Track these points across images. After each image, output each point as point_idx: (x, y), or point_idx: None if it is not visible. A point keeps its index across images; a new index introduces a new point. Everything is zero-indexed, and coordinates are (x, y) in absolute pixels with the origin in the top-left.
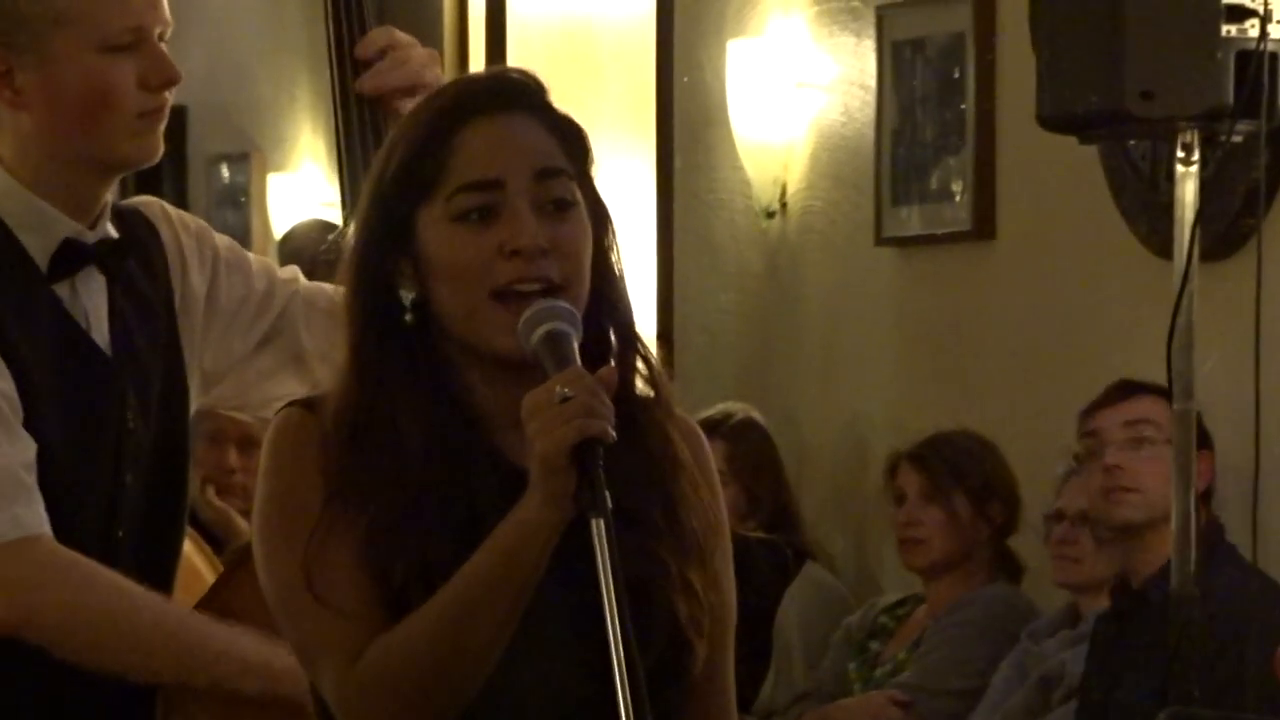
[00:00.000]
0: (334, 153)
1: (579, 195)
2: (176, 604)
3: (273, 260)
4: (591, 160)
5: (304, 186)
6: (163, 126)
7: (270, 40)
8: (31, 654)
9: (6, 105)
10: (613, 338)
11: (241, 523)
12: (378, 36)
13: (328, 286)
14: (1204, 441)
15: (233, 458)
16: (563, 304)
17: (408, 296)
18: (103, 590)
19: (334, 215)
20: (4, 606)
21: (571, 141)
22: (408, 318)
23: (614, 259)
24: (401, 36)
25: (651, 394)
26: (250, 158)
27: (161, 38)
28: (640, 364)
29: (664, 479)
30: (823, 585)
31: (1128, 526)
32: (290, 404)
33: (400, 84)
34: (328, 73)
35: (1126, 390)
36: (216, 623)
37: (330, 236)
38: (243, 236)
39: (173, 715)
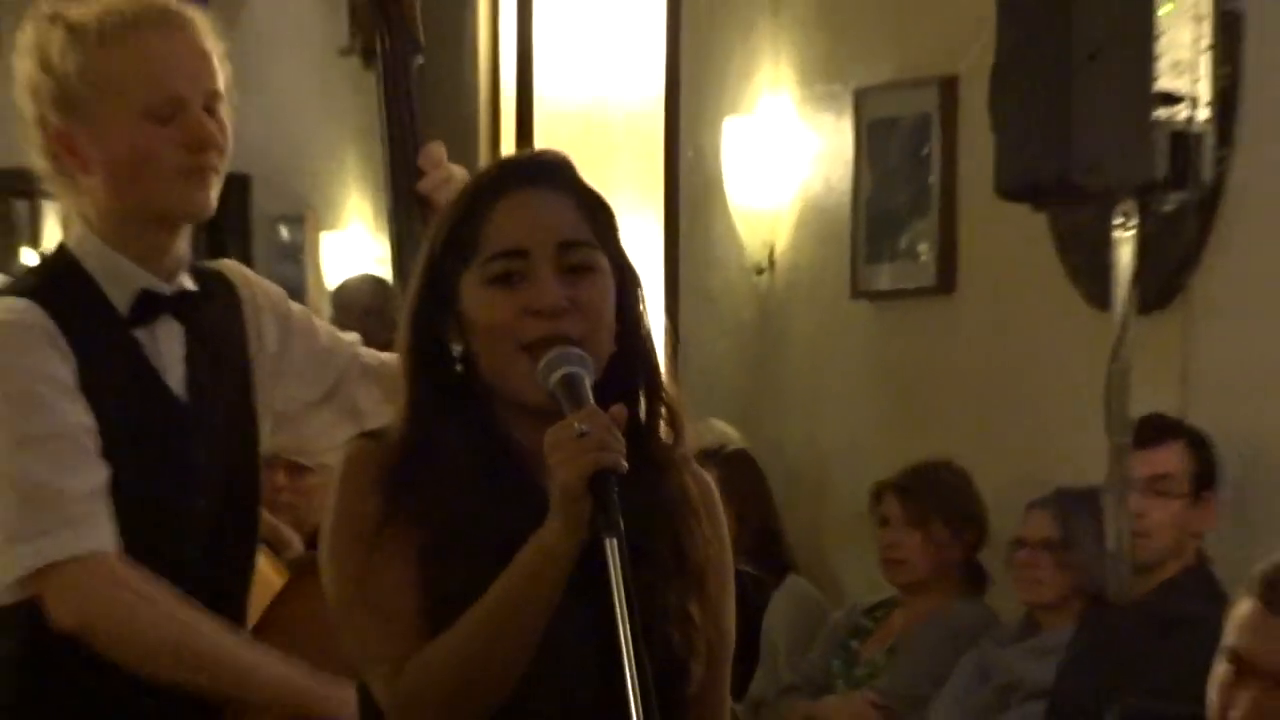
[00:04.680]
0: (380, 214)
1: (602, 262)
2: (253, 610)
3: (327, 310)
4: (616, 230)
5: (352, 244)
6: (211, 183)
7: (322, 114)
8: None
9: (76, 169)
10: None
11: (289, 534)
12: (435, 151)
13: (383, 354)
14: (1209, 482)
15: (281, 478)
16: (575, 350)
17: (456, 349)
18: (158, 609)
19: (380, 270)
20: (67, 615)
21: (595, 213)
22: (457, 368)
23: (641, 317)
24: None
25: (671, 439)
26: (305, 218)
27: (209, 106)
28: (664, 411)
29: (673, 517)
30: (803, 593)
31: (1141, 564)
32: (360, 435)
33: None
34: (377, 146)
35: (1156, 434)
36: (265, 651)
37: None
38: (298, 288)
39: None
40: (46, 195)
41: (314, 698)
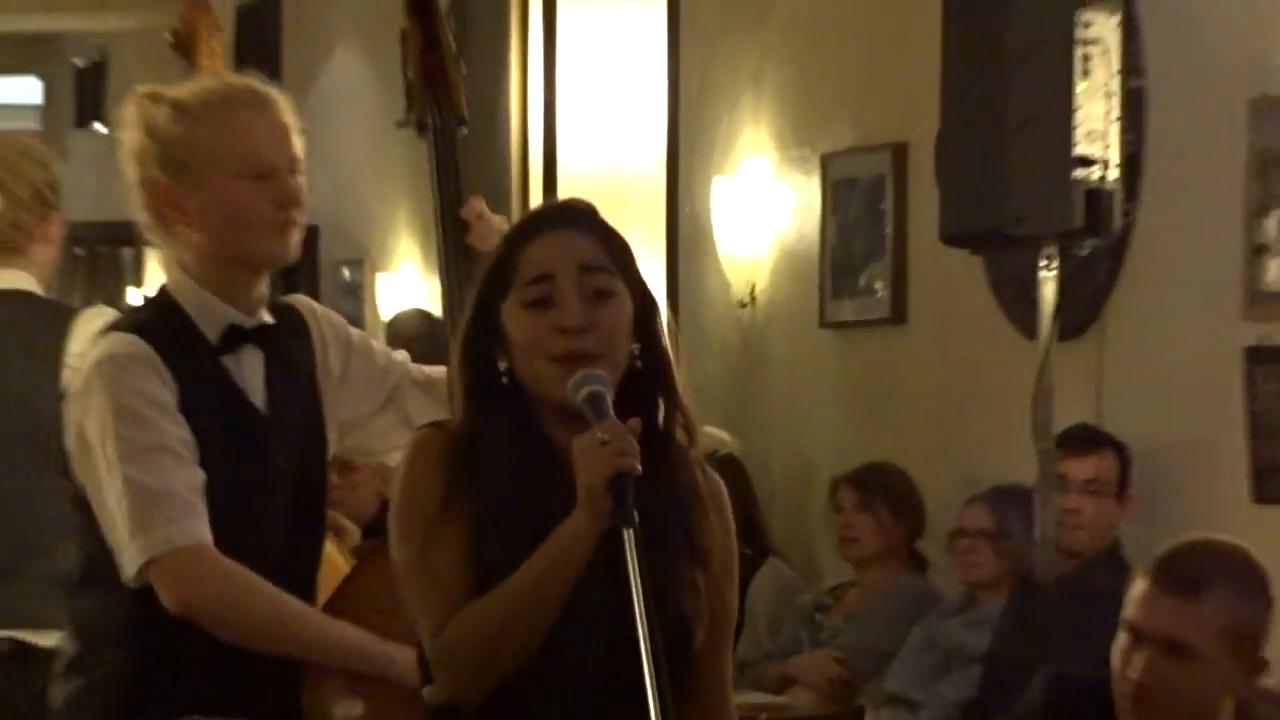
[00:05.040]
0: (428, 257)
1: (620, 288)
2: (321, 589)
3: (383, 341)
4: (632, 259)
5: (404, 283)
6: (295, 234)
7: (378, 174)
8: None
9: (177, 222)
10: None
11: (344, 522)
12: (476, 205)
13: (429, 369)
14: (1127, 483)
15: (334, 476)
16: (599, 372)
17: (501, 363)
18: (251, 590)
19: (427, 305)
20: (175, 598)
21: (613, 244)
22: (503, 379)
23: (659, 336)
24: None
25: (684, 443)
26: (364, 262)
27: (292, 170)
28: (679, 421)
29: (685, 507)
30: (781, 573)
31: (1071, 551)
32: (426, 425)
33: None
34: (426, 200)
35: (1088, 443)
36: (336, 621)
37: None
38: (358, 321)
39: (311, 686)
40: (148, 243)
41: (385, 659)
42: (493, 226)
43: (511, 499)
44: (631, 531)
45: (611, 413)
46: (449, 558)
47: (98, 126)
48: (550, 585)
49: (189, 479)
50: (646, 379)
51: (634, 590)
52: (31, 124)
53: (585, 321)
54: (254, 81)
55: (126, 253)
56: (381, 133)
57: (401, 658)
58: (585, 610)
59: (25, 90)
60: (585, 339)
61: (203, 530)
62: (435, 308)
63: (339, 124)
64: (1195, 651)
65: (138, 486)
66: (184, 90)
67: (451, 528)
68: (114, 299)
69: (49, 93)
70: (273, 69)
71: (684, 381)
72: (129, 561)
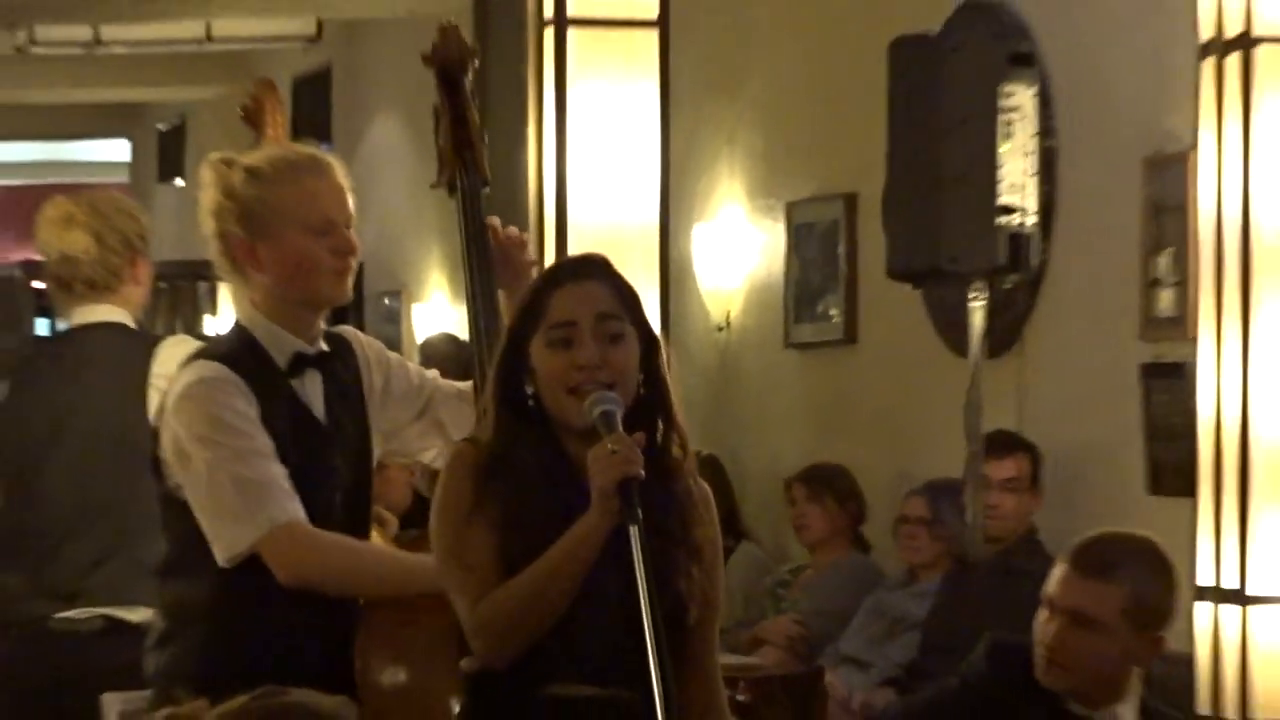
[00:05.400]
0: (454, 290)
1: (630, 331)
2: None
3: (416, 359)
4: (640, 306)
5: (434, 311)
6: (350, 279)
7: (413, 220)
8: (282, 596)
9: (253, 269)
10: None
11: (384, 513)
12: (515, 233)
13: (458, 383)
14: (1038, 479)
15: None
16: (610, 393)
17: (528, 389)
18: (341, 549)
19: (455, 330)
20: (286, 566)
21: (624, 294)
22: (529, 403)
23: (660, 369)
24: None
25: (680, 455)
26: (401, 293)
27: (347, 224)
28: (676, 437)
29: (682, 508)
30: (752, 555)
31: (995, 537)
32: (463, 440)
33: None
34: (454, 243)
35: (1006, 447)
36: (400, 552)
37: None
38: (396, 342)
39: (365, 640)
40: (220, 279)
41: None
42: (514, 236)
43: (534, 501)
44: (636, 527)
45: (620, 427)
46: (481, 549)
47: (178, 181)
48: (568, 571)
49: (280, 472)
50: (649, 404)
51: (639, 576)
52: (121, 179)
53: (600, 360)
54: (315, 149)
55: (202, 286)
56: (416, 187)
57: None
58: (598, 592)
59: (116, 150)
60: (599, 374)
61: (300, 509)
62: (461, 332)
63: (381, 179)
64: (1099, 624)
65: (241, 481)
66: (256, 156)
67: (483, 525)
68: (191, 326)
69: (136, 152)
70: (324, 132)
71: (679, 406)
72: (236, 541)
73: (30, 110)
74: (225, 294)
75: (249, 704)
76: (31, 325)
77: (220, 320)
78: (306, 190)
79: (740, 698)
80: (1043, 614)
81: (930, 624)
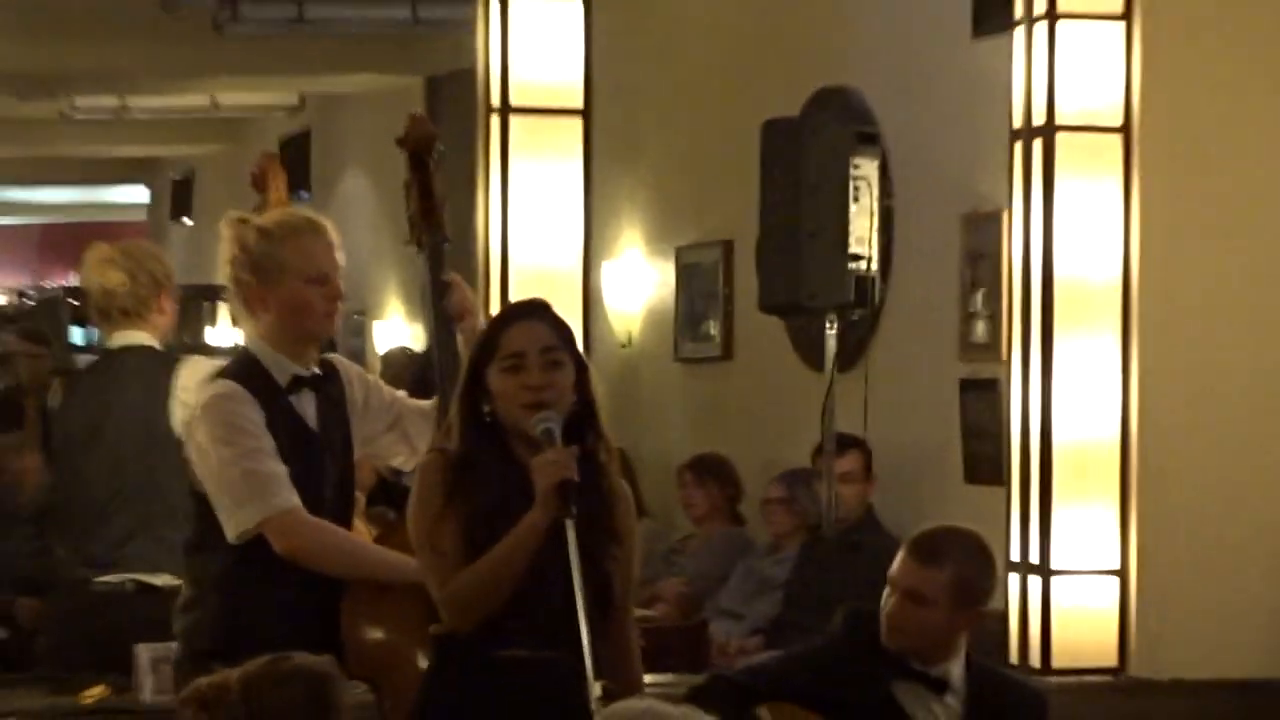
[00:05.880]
0: (410, 311)
1: (565, 358)
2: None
3: (379, 368)
4: (573, 339)
5: (392, 328)
6: (338, 319)
7: (375, 253)
8: (282, 572)
9: (260, 309)
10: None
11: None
12: (456, 278)
13: (420, 402)
14: (870, 470)
15: None
16: (552, 413)
17: (486, 408)
18: (332, 536)
19: (409, 344)
20: (284, 545)
21: (561, 330)
22: (488, 419)
23: (590, 391)
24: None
25: (606, 460)
26: (365, 312)
27: (337, 275)
28: (603, 445)
29: (607, 503)
30: (649, 528)
31: (840, 517)
32: (432, 449)
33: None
34: (411, 271)
35: (844, 445)
36: (378, 547)
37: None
38: (361, 354)
39: (350, 604)
40: (222, 300)
41: (409, 566)
42: (465, 290)
43: (494, 500)
44: (571, 521)
45: (559, 441)
46: (450, 539)
47: (186, 220)
48: (518, 557)
49: (282, 469)
50: (582, 419)
51: (572, 559)
52: (141, 218)
53: (544, 383)
54: (311, 213)
55: (205, 305)
56: (377, 227)
57: (414, 567)
58: (541, 572)
59: (137, 195)
60: (543, 394)
61: (296, 499)
62: (414, 345)
63: (350, 219)
64: (929, 601)
65: (250, 473)
66: (266, 218)
67: (451, 519)
68: (197, 335)
69: (153, 197)
70: (305, 182)
71: (605, 419)
72: (243, 521)
73: (68, 162)
74: (224, 311)
75: (265, 666)
76: (69, 333)
77: (220, 331)
78: (305, 248)
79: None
80: (886, 590)
81: (791, 584)
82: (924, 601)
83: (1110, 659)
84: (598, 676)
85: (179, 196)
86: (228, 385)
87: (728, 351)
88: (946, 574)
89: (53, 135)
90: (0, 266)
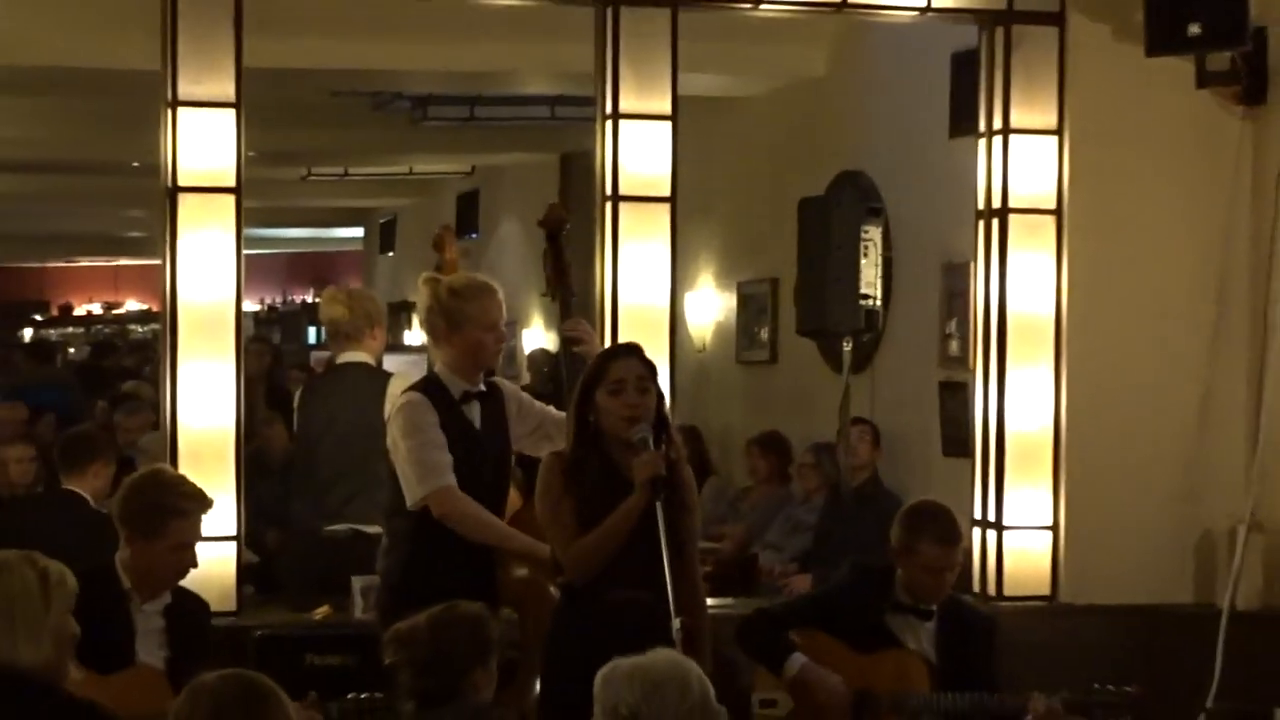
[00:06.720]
0: (548, 323)
1: (653, 387)
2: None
3: (525, 363)
4: (656, 374)
5: (534, 333)
6: (501, 356)
7: (523, 275)
8: (450, 535)
9: (447, 346)
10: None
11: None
12: (577, 324)
13: (558, 412)
14: (879, 441)
15: None
16: (645, 425)
17: (591, 418)
18: (474, 510)
19: (546, 345)
20: (440, 513)
21: (649, 367)
22: (592, 429)
23: (665, 409)
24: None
25: (677, 457)
26: (516, 320)
27: (503, 323)
28: (674, 447)
29: (682, 488)
30: (716, 485)
31: (856, 479)
32: (552, 452)
33: (581, 339)
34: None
35: (858, 423)
36: (508, 526)
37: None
38: (512, 353)
39: (502, 567)
40: (414, 314)
41: (537, 547)
42: (583, 325)
43: (598, 490)
44: (660, 504)
45: (651, 446)
46: (568, 516)
47: (389, 253)
48: (621, 528)
49: (448, 459)
50: (660, 429)
51: (660, 529)
52: (357, 248)
53: (638, 403)
54: (486, 277)
55: (402, 316)
56: (525, 258)
57: (542, 548)
58: (636, 538)
59: (354, 234)
60: (637, 410)
61: (453, 480)
62: (549, 346)
63: (505, 251)
64: (958, 564)
65: (423, 461)
66: (454, 280)
67: (568, 503)
68: (397, 338)
69: (366, 235)
70: (474, 226)
71: (674, 429)
72: (415, 493)
73: (306, 211)
74: (415, 319)
75: (442, 612)
76: (306, 334)
77: (406, 334)
78: (484, 305)
79: (707, 568)
80: (942, 565)
81: (818, 526)
82: (956, 566)
83: (1045, 589)
84: (677, 614)
85: (385, 235)
86: (416, 396)
87: (774, 357)
88: (962, 543)
89: (295, 192)
90: (256, 285)
